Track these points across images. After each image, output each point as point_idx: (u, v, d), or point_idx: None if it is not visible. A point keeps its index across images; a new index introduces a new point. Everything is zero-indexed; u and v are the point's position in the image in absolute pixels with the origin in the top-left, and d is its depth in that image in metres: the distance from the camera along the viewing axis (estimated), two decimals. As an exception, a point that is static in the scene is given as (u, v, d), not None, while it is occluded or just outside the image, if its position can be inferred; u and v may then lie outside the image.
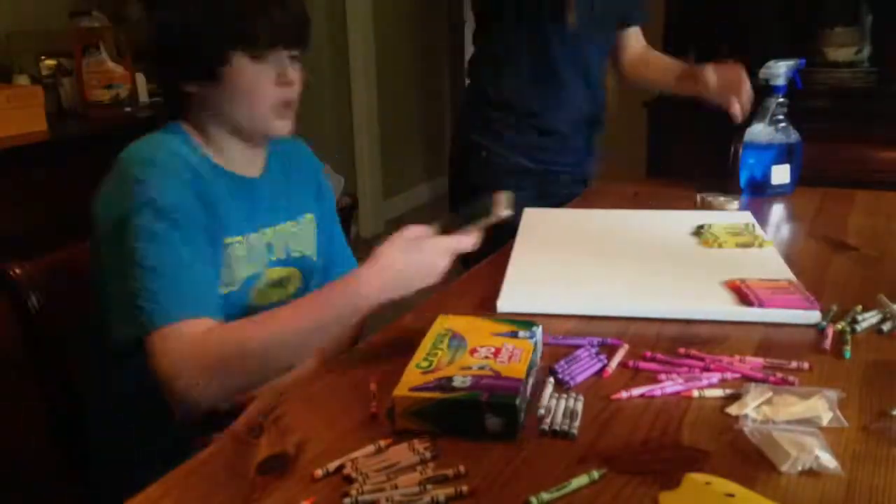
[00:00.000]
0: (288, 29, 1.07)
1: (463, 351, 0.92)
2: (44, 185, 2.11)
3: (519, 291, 1.19)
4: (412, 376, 0.87)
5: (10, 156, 2.03)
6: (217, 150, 1.12)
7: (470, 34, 1.90)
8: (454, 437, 0.81)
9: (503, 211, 1.00)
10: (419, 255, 0.98)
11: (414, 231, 1.00)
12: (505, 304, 1.15)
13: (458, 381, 0.85)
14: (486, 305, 1.16)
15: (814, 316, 1.06)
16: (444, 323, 1.00)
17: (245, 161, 1.15)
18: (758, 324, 1.06)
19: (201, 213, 1.04)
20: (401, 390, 0.84)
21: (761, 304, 1.08)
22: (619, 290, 1.18)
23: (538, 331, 0.97)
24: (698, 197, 1.64)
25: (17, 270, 1.09)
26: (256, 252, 1.13)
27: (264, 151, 1.19)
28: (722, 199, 1.61)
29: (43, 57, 2.46)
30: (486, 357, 0.90)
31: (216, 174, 1.10)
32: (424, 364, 0.89)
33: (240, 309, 1.08)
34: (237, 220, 1.11)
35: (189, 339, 0.95)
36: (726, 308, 1.09)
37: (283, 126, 1.11)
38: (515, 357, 0.90)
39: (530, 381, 0.89)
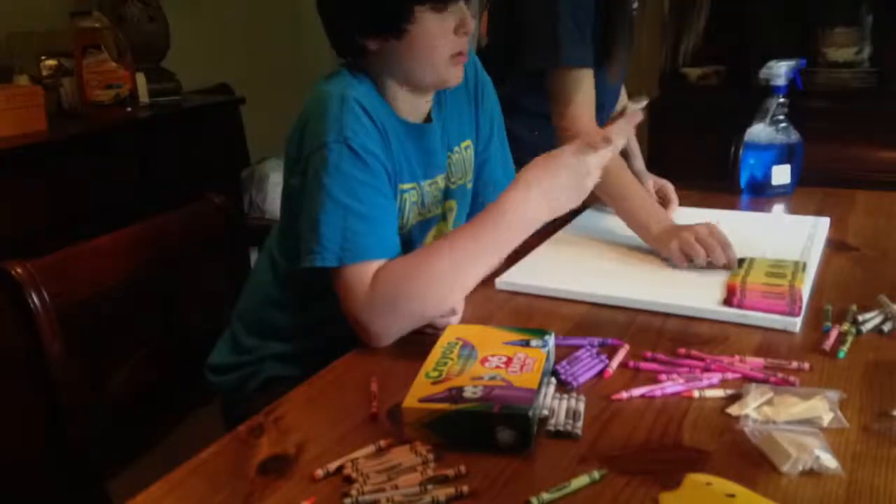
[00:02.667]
0: None
1: (474, 360, 0.90)
2: (44, 185, 2.11)
3: (521, 272, 1.24)
4: (421, 386, 0.85)
5: (10, 156, 2.03)
6: (390, 99, 1.14)
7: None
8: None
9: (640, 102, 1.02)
10: (567, 174, 1.02)
11: (558, 152, 1.03)
12: (504, 281, 1.21)
13: (468, 392, 0.83)
14: (485, 281, 1.17)
15: (793, 323, 1.04)
16: (454, 331, 0.98)
17: (413, 109, 1.16)
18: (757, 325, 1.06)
19: (386, 159, 1.08)
20: (410, 401, 0.82)
21: (740, 305, 1.08)
22: (616, 279, 1.19)
23: (550, 339, 0.95)
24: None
25: (18, 270, 1.09)
26: (429, 199, 1.18)
27: (431, 98, 1.20)
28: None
29: (43, 57, 2.45)
30: (498, 367, 0.88)
31: (393, 121, 1.12)
32: (434, 374, 0.87)
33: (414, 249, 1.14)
34: (410, 168, 1.14)
35: (377, 278, 1.02)
36: (707, 306, 1.09)
37: (458, 74, 1.13)
38: (528, 366, 0.88)
39: (543, 391, 0.87)
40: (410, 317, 1.03)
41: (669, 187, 1.60)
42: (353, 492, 0.73)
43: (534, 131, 1.58)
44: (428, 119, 1.20)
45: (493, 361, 0.89)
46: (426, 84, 1.14)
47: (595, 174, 1.03)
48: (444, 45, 1.09)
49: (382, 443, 0.81)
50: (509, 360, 0.89)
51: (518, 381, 0.85)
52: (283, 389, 0.96)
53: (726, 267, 1.22)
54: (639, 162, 1.75)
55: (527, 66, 1.49)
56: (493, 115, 1.32)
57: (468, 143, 1.27)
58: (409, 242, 1.17)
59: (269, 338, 1.21)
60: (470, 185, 1.29)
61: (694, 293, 1.13)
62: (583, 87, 1.44)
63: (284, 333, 1.21)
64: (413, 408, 0.82)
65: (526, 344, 0.93)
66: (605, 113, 1.68)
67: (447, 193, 1.24)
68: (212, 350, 1.27)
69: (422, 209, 1.19)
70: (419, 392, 0.84)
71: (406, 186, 1.14)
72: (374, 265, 1.03)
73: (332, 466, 0.77)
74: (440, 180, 1.21)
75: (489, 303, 1.18)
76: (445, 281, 1.03)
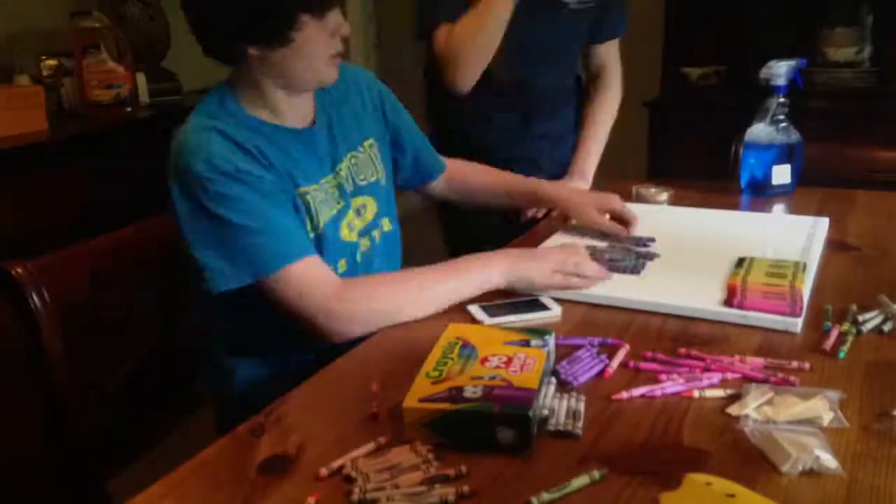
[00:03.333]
0: None
1: (474, 360, 0.90)
2: (44, 185, 2.11)
3: None
4: (422, 386, 0.85)
5: (11, 156, 2.03)
6: (270, 108, 1.17)
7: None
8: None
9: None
10: (544, 263, 1.16)
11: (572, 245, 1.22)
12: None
13: (468, 392, 0.83)
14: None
15: (794, 323, 1.04)
16: (455, 331, 0.98)
17: (297, 114, 1.20)
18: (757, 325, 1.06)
19: (265, 172, 1.10)
20: (410, 401, 0.82)
21: (741, 306, 1.08)
22: (616, 279, 1.19)
23: (551, 339, 0.95)
24: (633, 189, 1.66)
25: (18, 270, 1.09)
26: (331, 195, 1.21)
27: (313, 100, 1.23)
28: (653, 190, 1.63)
29: (44, 57, 2.46)
30: (498, 366, 0.88)
31: (274, 132, 1.16)
32: (434, 374, 0.87)
33: (332, 246, 1.19)
34: (305, 171, 1.17)
35: (316, 278, 1.09)
36: (708, 307, 1.09)
37: (334, 74, 1.17)
38: (528, 366, 0.88)
39: (543, 391, 0.87)
40: (377, 315, 1.10)
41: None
42: (356, 490, 0.73)
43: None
44: (313, 123, 1.22)
45: (494, 361, 0.89)
46: (306, 86, 1.18)
47: (552, 278, 1.16)
48: (324, 49, 1.13)
49: (382, 439, 0.81)
50: (509, 360, 0.89)
51: (518, 381, 0.85)
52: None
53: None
54: (589, 162, 1.82)
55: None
56: (396, 109, 1.39)
57: (370, 141, 1.31)
58: (323, 239, 1.18)
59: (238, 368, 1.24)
60: (384, 182, 1.32)
61: (694, 294, 1.13)
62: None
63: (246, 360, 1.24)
64: (413, 407, 0.82)
65: (526, 344, 0.93)
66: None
67: (358, 190, 1.26)
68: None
69: (328, 206, 1.20)
70: (420, 392, 0.84)
71: (306, 189, 1.17)
72: (295, 267, 1.07)
73: (336, 465, 0.77)
74: (331, 179, 1.22)
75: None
76: (420, 303, 1.12)
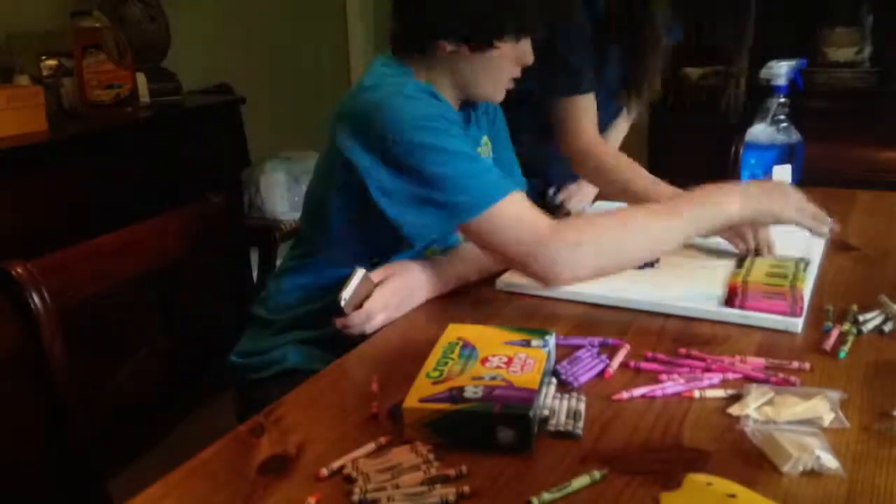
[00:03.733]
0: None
1: (474, 360, 0.90)
2: (44, 185, 2.11)
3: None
4: (422, 386, 0.85)
5: (11, 156, 2.03)
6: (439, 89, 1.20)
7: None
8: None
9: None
10: (786, 198, 1.15)
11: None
12: (504, 281, 1.21)
13: (469, 392, 0.83)
14: (486, 282, 1.21)
15: (794, 324, 1.04)
16: (455, 331, 0.98)
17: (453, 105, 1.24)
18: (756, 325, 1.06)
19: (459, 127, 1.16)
20: (410, 401, 0.82)
21: (741, 306, 1.08)
22: (616, 280, 1.18)
23: (551, 339, 0.95)
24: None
25: (18, 270, 1.09)
26: None
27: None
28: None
29: (44, 57, 2.45)
30: (498, 367, 0.88)
31: (451, 110, 1.20)
32: (435, 374, 0.87)
33: None
34: (471, 134, 1.25)
35: (523, 218, 1.08)
36: (708, 307, 1.09)
37: (503, 96, 1.24)
38: (528, 366, 0.88)
39: (544, 391, 0.87)
40: (600, 259, 1.09)
41: None
42: (357, 490, 0.73)
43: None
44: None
45: (494, 361, 0.89)
46: (479, 95, 1.23)
47: (796, 213, 1.15)
48: (508, 70, 1.19)
49: (382, 439, 0.81)
50: (510, 360, 0.89)
51: (518, 382, 0.85)
52: (301, 380, 0.97)
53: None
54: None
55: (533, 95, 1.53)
56: (500, 116, 1.39)
57: (486, 139, 1.34)
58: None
59: (293, 324, 1.24)
60: None
61: (695, 294, 1.13)
62: (584, 112, 1.52)
63: (306, 319, 1.23)
64: (414, 407, 0.82)
65: (527, 344, 0.93)
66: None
67: None
68: (211, 350, 1.27)
69: None
70: (420, 392, 0.84)
71: (480, 149, 1.26)
72: (515, 196, 1.09)
73: (336, 465, 0.77)
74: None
75: (490, 303, 1.18)
76: (647, 241, 1.11)
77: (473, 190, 1.08)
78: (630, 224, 1.11)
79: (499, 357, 0.90)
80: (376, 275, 1.13)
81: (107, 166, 2.29)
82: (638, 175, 1.48)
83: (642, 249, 1.11)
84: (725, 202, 1.10)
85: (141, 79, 2.57)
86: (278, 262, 1.35)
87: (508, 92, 1.31)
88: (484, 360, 0.90)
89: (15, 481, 1.64)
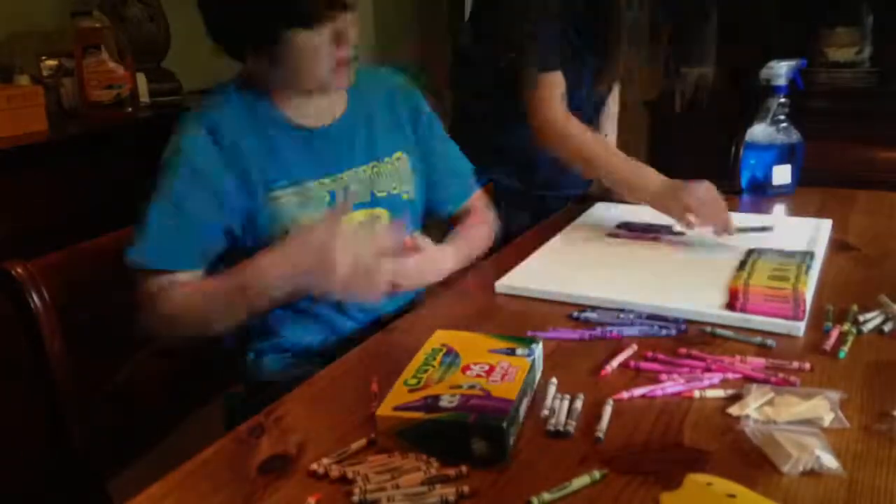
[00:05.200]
0: None
1: (455, 368, 0.87)
2: (44, 185, 2.11)
3: (520, 276, 1.24)
4: (398, 394, 0.83)
5: (10, 156, 2.03)
6: (284, 102, 1.15)
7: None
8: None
9: None
10: (319, 250, 0.98)
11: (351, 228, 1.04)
12: (503, 284, 1.21)
13: (445, 401, 0.80)
14: (485, 284, 1.21)
15: (797, 327, 1.03)
16: (441, 338, 0.96)
17: (315, 111, 1.18)
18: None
19: (231, 174, 1.11)
20: (384, 409, 0.80)
21: (743, 309, 1.07)
22: (616, 282, 1.19)
23: (537, 348, 0.93)
24: None
25: (18, 270, 1.09)
26: (316, 201, 1.15)
27: (341, 99, 1.21)
28: None
29: (44, 57, 2.45)
30: (479, 375, 0.86)
31: (275, 126, 1.15)
32: (413, 381, 0.85)
33: None
34: (292, 170, 1.14)
35: (161, 291, 1.07)
36: (710, 310, 1.08)
37: (341, 80, 1.13)
38: (509, 376, 0.85)
39: (524, 401, 0.85)
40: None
41: None
42: (357, 490, 0.73)
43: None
44: (331, 122, 1.20)
45: (475, 370, 0.87)
46: (311, 89, 1.15)
47: (341, 262, 0.96)
48: (323, 59, 1.09)
49: (374, 435, 0.81)
50: (491, 369, 0.87)
51: (497, 391, 0.82)
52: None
53: (724, 232, 1.32)
54: None
55: (500, 63, 1.56)
56: (430, 126, 1.33)
57: (399, 154, 1.26)
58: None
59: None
60: (407, 196, 1.26)
61: (695, 297, 1.13)
62: (553, 88, 1.53)
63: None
64: (386, 416, 0.80)
65: (511, 352, 0.91)
66: (581, 115, 1.69)
67: (375, 202, 1.21)
68: (212, 350, 1.27)
69: (307, 211, 1.14)
70: (395, 400, 0.82)
71: (279, 193, 1.13)
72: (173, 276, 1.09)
73: (327, 461, 0.77)
74: (343, 178, 1.18)
75: (488, 305, 1.18)
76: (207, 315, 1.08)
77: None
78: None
79: (480, 365, 0.88)
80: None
81: (107, 166, 2.29)
82: (599, 144, 1.55)
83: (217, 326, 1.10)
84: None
85: (141, 79, 2.57)
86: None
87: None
88: (465, 368, 0.88)
89: (15, 481, 1.64)
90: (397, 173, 1.25)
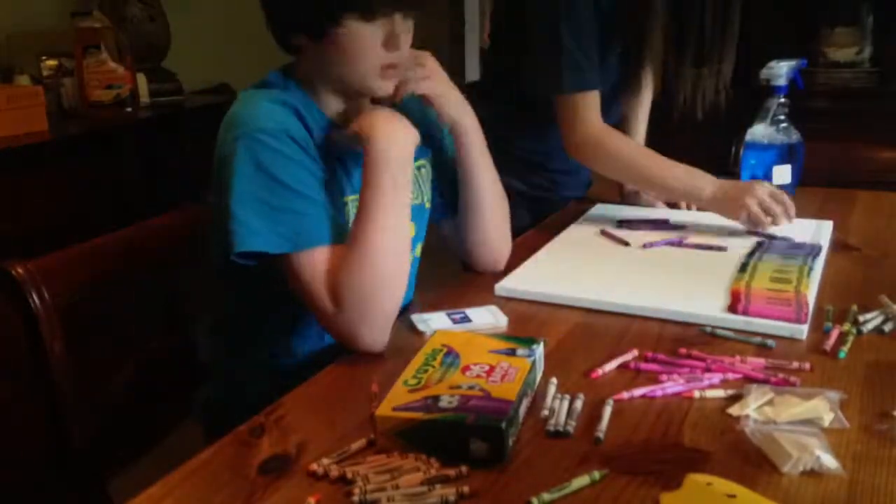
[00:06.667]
0: None
1: (455, 369, 0.87)
2: (44, 185, 2.11)
3: (519, 278, 1.23)
4: (398, 394, 0.83)
5: (11, 156, 2.03)
6: (324, 107, 1.13)
7: (471, 45, 1.84)
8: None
9: None
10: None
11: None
12: (503, 287, 1.20)
13: (444, 401, 0.80)
14: (484, 285, 1.21)
15: (799, 330, 1.03)
16: (441, 338, 0.95)
17: (343, 115, 1.15)
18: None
19: (319, 165, 1.08)
20: (384, 409, 0.80)
21: (745, 312, 1.07)
22: (617, 285, 1.18)
23: (538, 349, 0.93)
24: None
25: (18, 270, 1.09)
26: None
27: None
28: None
29: (44, 57, 2.46)
30: (479, 376, 0.85)
31: (324, 131, 1.12)
32: (413, 381, 0.85)
33: None
34: (350, 179, 1.14)
35: (333, 266, 1.01)
36: (711, 313, 1.08)
37: (385, 87, 1.11)
38: (509, 376, 0.85)
39: (525, 402, 0.85)
40: (379, 307, 1.02)
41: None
42: (357, 490, 0.73)
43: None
44: None
45: (475, 370, 0.87)
46: (353, 90, 1.12)
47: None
48: (372, 55, 1.07)
49: (374, 435, 0.80)
50: (491, 369, 0.87)
51: (496, 392, 0.82)
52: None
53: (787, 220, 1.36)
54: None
55: (531, 92, 1.53)
56: (444, 134, 1.30)
57: (423, 162, 1.25)
58: None
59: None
60: (429, 205, 1.25)
61: (697, 299, 1.12)
62: (589, 107, 1.50)
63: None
64: (386, 416, 0.79)
65: (511, 353, 0.91)
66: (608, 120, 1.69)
67: None
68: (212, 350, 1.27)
69: None
70: (395, 400, 0.82)
71: (350, 198, 1.13)
72: (326, 250, 1.02)
73: (327, 462, 0.77)
74: None
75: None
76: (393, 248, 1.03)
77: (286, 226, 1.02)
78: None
79: (480, 366, 0.88)
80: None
81: (107, 166, 2.29)
82: (648, 158, 1.52)
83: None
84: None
85: (141, 79, 2.57)
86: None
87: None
88: (465, 369, 0.87)
89: (15, 481, 1.64)
90: (419, 183, 1.24)
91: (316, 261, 1.02)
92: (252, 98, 1.10)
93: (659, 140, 2.93)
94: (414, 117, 1.16)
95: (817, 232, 1.41)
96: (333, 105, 1.14)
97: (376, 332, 1.02)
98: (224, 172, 1.03)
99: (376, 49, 1.07)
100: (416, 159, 1.19)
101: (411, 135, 1.08)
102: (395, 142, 1.06)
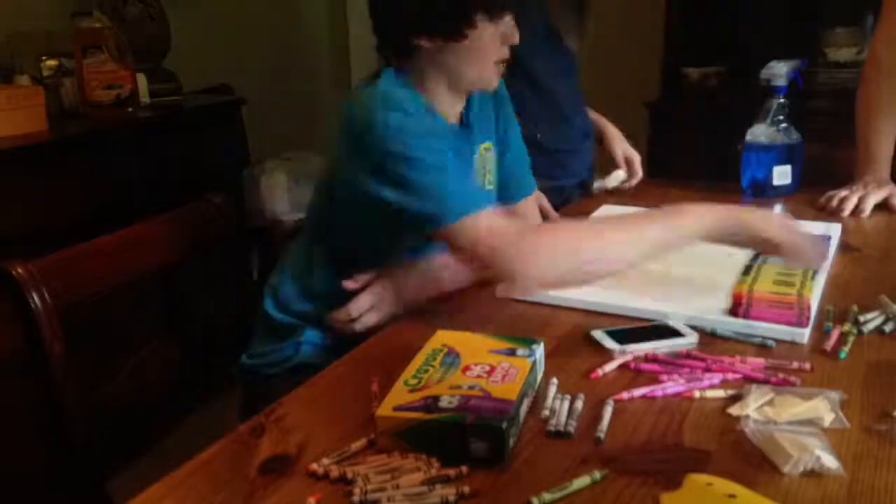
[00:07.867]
0: None
1: (455, 369, 0.87)
2: (44, 185, 2.11)
3: None
4: (398, 394, 0.83)
5: (11, 156, 2.03)
6: (431, 101, 1.18)
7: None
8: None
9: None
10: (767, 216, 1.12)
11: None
12: (503, 289, 1.18)
13: (444, 402, 0.80)
14: (484, 286, 1.20)
15: (801, 334, 1.02)
16: (442, 338, 0.95)
17: (452, 112, 1.23)
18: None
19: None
20: (384, 409, 0.80)
21: (746, 316, 1.06)
22: (617, 287, 1.18)
23: (538, 349, 0.93)
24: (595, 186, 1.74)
25: (18, 270, 1.09)
26: None
27: (464, 101, 1.25)
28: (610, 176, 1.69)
29: (44, 57, 2.45)
30: (479, 376, 0.85)
31: (440, 121, 1.19)
32: (413, 381, 0.85)
33: None
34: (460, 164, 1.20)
35: (501, 225, 1.07)
36: (712, 316, 1.08)
37: (495, 81, 1.21)
38: (510, 377, 0.85)
39: (525, 402, 0.85)
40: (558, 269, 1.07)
41: (636, 159, 1.71)
42: (357, 490, 0.73)
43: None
44: (460, 121, 1.25)
45: (476, 370, 0.87)
46: (471, 86, 1.21)
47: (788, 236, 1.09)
48: (494, 52, 1.16)
49: (374, 435, 0.81)
50: (492, 369, 0.87)
51: (497, 392, 0.82)
52: (312, 374, 0.98)
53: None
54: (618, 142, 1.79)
55: None
56: (509, 118, 1.37)
57: (489, 145, 1.31)
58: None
59: (307, 322, 1.25)
60: (490, 187, 1.31)
61: (697, 302, 1.12)
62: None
63: (315, 322, 1.24)
64: (386, 416, 0.79)
65: (512, 353, 0.91)
66: (570, 124, 1.70)
67: None
68: (212, 350, 1.27)
69: None
70: (395, 400, 0.82)
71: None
72: (484, 214, 1.07)
73: (327, 462, 0.77)
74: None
75: (487, 309, 1.17)
76: (617, 255, 1.08)
77: (444, 201, 1.08)
78: (596, 236, 1.10)
79: (481, 366, 0.88)
80: (361, 279, 1.16)
81: (107, 166, 2.29)
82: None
83: (608, 262, 1.08)
84: (703, 214, 1.08)
85: (141, 79, 2.57)
86: (278, 262, 1.35)
87: (517, 82, 1.31)
88: (465, 369, 0.87)
89: (15, 481, 1.64)
90: (484, 165, 1.29)
91: (479, 219, 1.07)
92: (385, 82, 1.15)
93: (659, 140, 2.94)
94: (475, 99, 1.26)
95: (825, 234, 1.40)
96: (442, 103, 1.20)
97: (542, 277, 1.07)
98: (387, 145, 1.07)
99: (497, 45, 1.16)
100: (484, 140, 1.29)
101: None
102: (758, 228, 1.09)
